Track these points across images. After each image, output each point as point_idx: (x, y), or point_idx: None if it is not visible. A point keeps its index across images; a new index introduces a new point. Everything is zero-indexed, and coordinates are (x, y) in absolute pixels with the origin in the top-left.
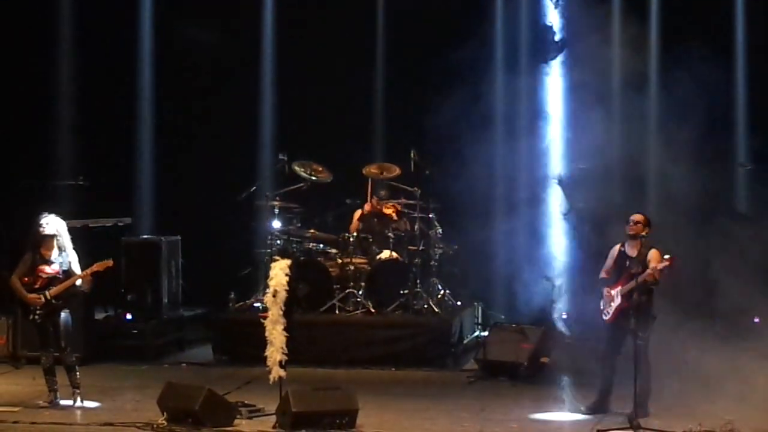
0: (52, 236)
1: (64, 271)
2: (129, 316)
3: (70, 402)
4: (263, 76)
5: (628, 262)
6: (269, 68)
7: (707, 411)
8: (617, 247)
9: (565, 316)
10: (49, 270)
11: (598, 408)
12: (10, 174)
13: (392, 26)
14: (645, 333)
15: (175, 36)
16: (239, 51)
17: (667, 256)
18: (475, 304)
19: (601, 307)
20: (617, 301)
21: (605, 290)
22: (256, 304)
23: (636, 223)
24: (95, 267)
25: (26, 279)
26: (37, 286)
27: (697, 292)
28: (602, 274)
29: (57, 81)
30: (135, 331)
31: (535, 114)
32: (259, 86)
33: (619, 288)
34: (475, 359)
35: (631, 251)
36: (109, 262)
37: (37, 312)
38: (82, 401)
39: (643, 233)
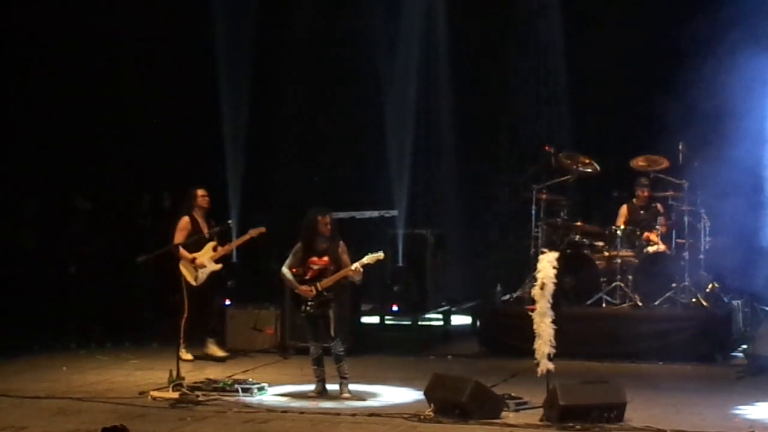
0: (325, 228)
1: (334, 263)
2: (396, 308)
3: (337, 392)
4: (532, 66)
5: None
6: (537, 59)
7: None
8: None
9: None
10: (319, 261)
11: None
12: (279, 166)
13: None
14: None
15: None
16: (508, 40)
17: None
18: (745, 297)
19: None
20: None
21: None
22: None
23: None
24: (366, 260)
25: (296, 270)
26: (307, 278)
27: None
28: None
29: (332, 71)
30: (402, 323)
31: None
32: (527, 77)
33: None
34: (745, 354)
35: None
36: (381, 255)
37: (309, 303)
38: (349, 392)
39: None
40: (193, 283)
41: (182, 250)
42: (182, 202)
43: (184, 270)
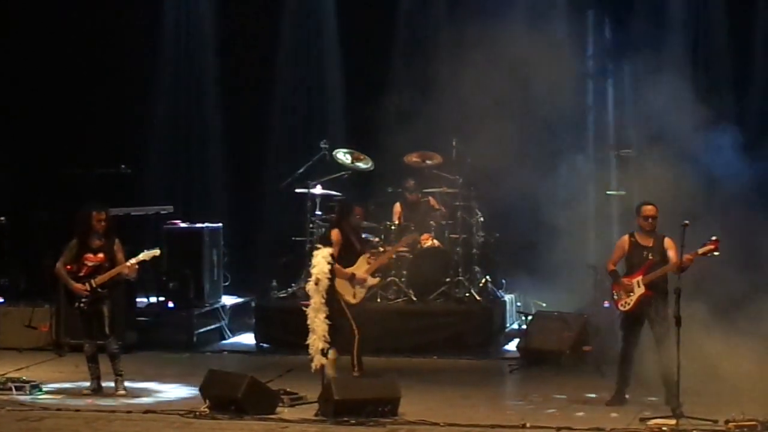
0: (99, 224)
1: (109, 260)
2: (171, 305)
3: (112, 389)
4: (304, 63)
5: (645, 252)
6: (309, 56)
7: (752, 399)
8: (626, 237)
9: (607, 305)
10: (94, 258)
11: (618, 401)
12: (54, 163)
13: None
14: (666, 319)
15: (222, 28)
16: (279, 39)
17: (713, 238)
18: (517, 292)
19: (615, 298)
20: (639, 290)
21: (624, 280)
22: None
23: (653, 218)
24: (142, 256)
25: (70, 267)
26: (81, 274)
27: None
28: (610, 266)
29: (98, 68)
30: (177, 320)
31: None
32: (299, 74)
33: (639, 277)
34: (517, 347)
35: (645, 241)
36: (156, 252)
37: (82, 300)
38: (124, 389)
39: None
40: (352, 300)
41: (339, 267)
42: (336, 215)
43: (342, 289)
